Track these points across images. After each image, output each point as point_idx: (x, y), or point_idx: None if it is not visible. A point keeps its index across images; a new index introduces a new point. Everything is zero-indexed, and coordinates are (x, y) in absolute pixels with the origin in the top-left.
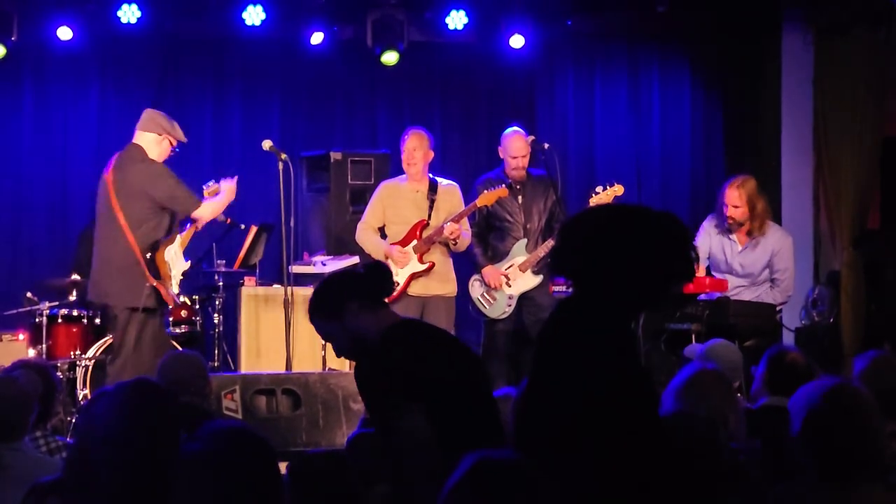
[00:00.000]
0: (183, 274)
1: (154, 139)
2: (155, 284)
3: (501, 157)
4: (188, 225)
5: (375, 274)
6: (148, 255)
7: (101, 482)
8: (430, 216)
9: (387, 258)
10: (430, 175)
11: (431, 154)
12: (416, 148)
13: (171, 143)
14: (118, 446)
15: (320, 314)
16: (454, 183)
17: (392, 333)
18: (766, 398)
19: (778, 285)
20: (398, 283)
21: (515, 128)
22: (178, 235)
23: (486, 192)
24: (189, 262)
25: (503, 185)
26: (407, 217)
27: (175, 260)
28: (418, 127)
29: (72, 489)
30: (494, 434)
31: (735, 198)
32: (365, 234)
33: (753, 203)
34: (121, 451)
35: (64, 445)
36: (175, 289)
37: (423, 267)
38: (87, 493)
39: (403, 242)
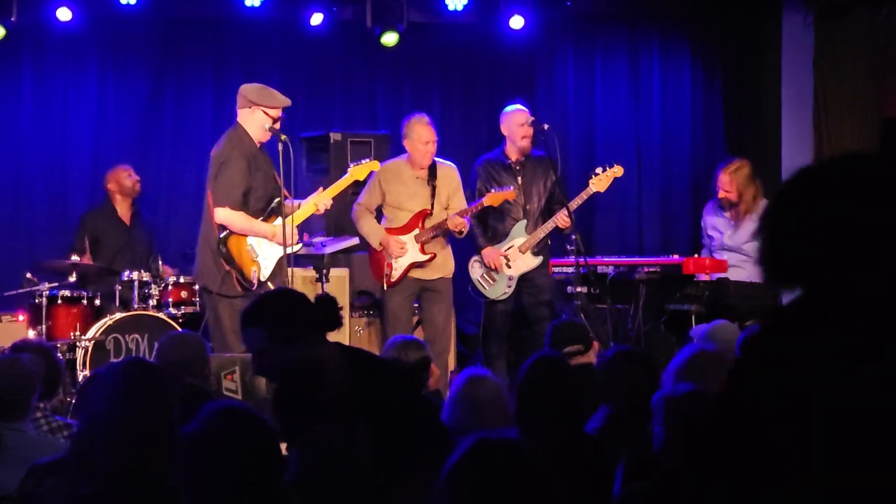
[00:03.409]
0: (290, 255)
1: (246, 114)
2: (228, 269)
3: (504, 133)
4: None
5: (330, 307)
6: (221, 237)
7: (97, 463)
8: (432, 205)
9: (381, 246)
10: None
11: None
12: (433, 140)
13: (265, 114)
14: (113, 427)
15: (273, 334)
16: (452, 164)
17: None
18: None
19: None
20: (397, 273)
21: (518, 105)
22: (278, 217)
23: (493, 192)
24: (301, 243)
25: (511, 189)
26: (404, 202)
27: (265, 243)
28: (424, 114)
29: (75, 469)
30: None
31: (726, 183)
32: (362, 218)
33: (742, 191)
34: (116, 432)
35: (65, 425)
36: (264, 274)
37: (425, 258)
38: (87, 473)
39: (405, 230)
